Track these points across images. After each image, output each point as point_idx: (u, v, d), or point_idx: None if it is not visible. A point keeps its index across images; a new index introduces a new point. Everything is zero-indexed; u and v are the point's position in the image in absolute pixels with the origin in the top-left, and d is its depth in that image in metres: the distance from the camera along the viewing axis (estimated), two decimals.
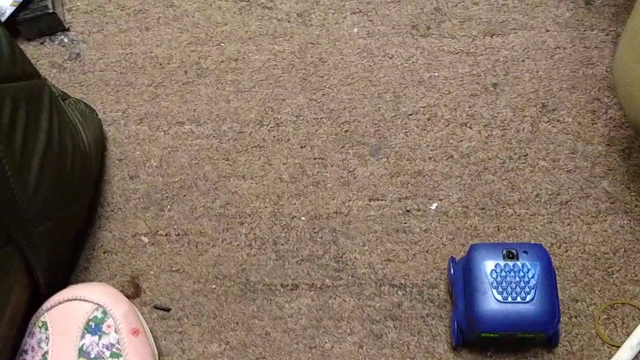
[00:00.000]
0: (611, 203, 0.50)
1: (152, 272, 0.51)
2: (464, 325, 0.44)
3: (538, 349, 0.46)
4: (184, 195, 0.53)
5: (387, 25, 0.58)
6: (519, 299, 0.42)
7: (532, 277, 0.43)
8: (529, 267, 0.43)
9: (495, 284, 0.43)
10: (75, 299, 0.44)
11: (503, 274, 0.43)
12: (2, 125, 0.39)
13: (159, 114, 0.57)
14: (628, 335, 0.46)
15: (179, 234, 0.52)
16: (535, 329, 0.42)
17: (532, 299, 0.42)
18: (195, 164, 0.54)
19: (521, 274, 0.43)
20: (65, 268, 0.51)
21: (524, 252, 0.44)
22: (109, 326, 0.44)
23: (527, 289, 0.42)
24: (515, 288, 0.43)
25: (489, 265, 0.43)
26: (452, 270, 0.46)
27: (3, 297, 0.40)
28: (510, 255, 0.44)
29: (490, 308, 0.42)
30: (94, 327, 0.43)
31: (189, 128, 0.56)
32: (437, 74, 0.56)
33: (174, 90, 0.58)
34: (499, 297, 0.42)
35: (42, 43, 0.61)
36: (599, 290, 0.48)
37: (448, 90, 0.55)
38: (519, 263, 0.43)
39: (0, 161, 0.39)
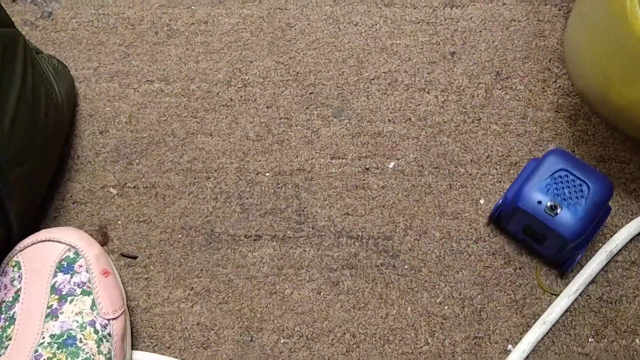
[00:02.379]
0: None
1: (119, 222, 0.53)
2: (507, 201, 0.48)
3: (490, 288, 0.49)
4: (152, 150, 0.55)
5: None
6: (568, 204, 0.46)
7: (584, 196, 0.46)
8: (590, 190, 0.46)
9: (553, 182, 0.47)
10: (48, 240, 0.46)
11: (566, 180, 0.47)
12: None
13: (129, 72, 0.58)
14: (567, 286, 0.49)
15: (146, 187, 0.54)
16: (559, 230, 0.45)
17: (579, 212, 0.46)
18: (164, 120, 0.56)
19: (577, 189, 0.46)
20: (36, 216, 0.53)
21: (595, 179, 0.47)
22: (80, 266, 0.45)
23: (574, 202, 0.46)
24: (565, 195, 0.46)
25: (557, 166, 0.47)
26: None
27: None
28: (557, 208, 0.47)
29: (535, 189, 0.46)
30: (66, 266, 0.45)
31: (158, 86, 0.58)
32: (398, 42, 0.59)
33: (145, 50, 0.59)
34: (545, 189, 0.46)
35: (14, 1, 0.62)
36: None
37: (408, 57, 0.58)
38: (586, 182, 0.46)
39: None
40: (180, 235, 0.52)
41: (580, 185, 0.46)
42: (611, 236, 0.50)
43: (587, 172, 0.47)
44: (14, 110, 0.44)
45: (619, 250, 0.50)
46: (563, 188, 0.46)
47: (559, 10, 0.60)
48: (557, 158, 0.47)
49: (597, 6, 0.47)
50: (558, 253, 0.48)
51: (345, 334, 0.49)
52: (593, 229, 0.47)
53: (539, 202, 0.46)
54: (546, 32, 0.59)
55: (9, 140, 0.44)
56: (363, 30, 0.59)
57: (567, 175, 0.47)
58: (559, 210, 0.46)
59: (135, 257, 0.51)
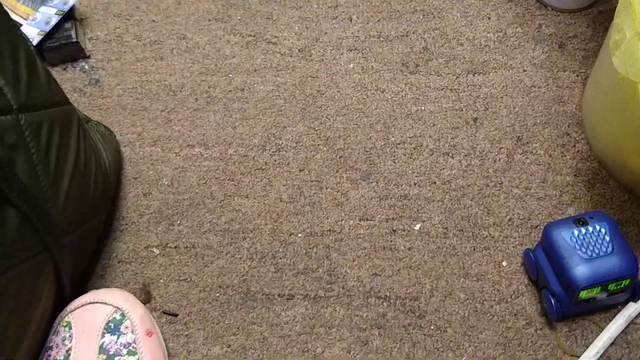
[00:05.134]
0: None
1: (162, 281, 0.56)
2: (562, 294, 0.49)
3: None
4: (192, 212, 0.59)
5: (379, 62, 0.64)
6: (602, 253, 0.49)
7: (605, 234, 0.49)
8: (599, 227, 0.50)
9: (577, 246, 0.49)
10: (97, 302, 0.50)
11: (580, 237, 0.50)
12: (40, 147, 0.45)
13: (171, 137, 0.62)
14: (587, 347, 0.51)
15: (187, 247, 0.57)
16: (625, 274, 0.48)
17: (613, 250, 0.49)
18: (203, 183, 0.60)
19: (595, 233, 0.50)
20: (84, 275, 0.56)
21: (590, 218, 0.50)
22: (126, 327, 0.49)
23: (605, 244, 0.49)
24: (595, 245, 0.49)
25: (566, 235, 0.50)
26: (532, 258, 0.52)
27: (35, 298, 0.45)
28: (581, 222, 0.50)
29: (582, 265, 0.48)
30: (113, 327, 0.49)
31: (198, 151, 0.61)
32: (423, 108, 0.62)
33: (185, 116, 0.63)
34: (584, 256, 0.49)
35: (64, 69, 0.67)
36: None
37: (433, 123, 0.61)
38: (589, 227, 0.50)
39: (37, 178, 0.44)
40: (218, 294, 0.55)
41: (593, 229, 0.50)
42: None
43: (584, 218, 0.51)
44: (68, 185, 0.48)
45: (638, 314, 0.52)
46: (588, 242, 0.49)
47: (577, 76, 0.63)
48: (556, 229, 0.51)
49: (611, 84, 0.50)
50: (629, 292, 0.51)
51: None
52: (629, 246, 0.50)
53: (594, 269, 0.48)
54: (565, 98, 0.62)
55: (64, 213, 0.48)
56: (389, 97, 0.63)
57: (577, 233, 0.50)
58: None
59: (176, 315, 0.55)
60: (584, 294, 0.48)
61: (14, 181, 0.41)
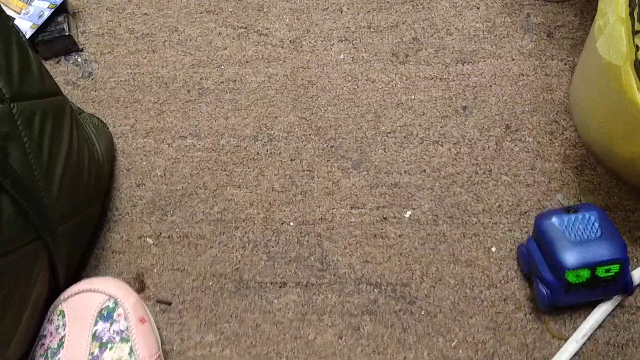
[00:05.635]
0: None
1: (155, 270, 0.57)
2: (551, 281, 0.50)
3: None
4: (185, 202, 0.59)
5: (370, 52, 0.65)
6: (590, 238, 0.50)
7: (595, 221, 0.50)
8: (588, 215, 0.51)
9: (566, 232, 0.50)
10: (90, 291, 0.50)
11: (570, 223, 0.50)
12: (33, 136, 0.46)
13: (163, 128, 0.63)
14: (575, 330, 0.52)
15: (180, 237, 0.58)
16: (613, 257, 0.48)
17: (601, 235, 0.50)
18: (196, 174, 0.60)
19: (585, 220, 0.50)
20: (78, 265, 0.57)
21: (579, 207, 0.51)
22: (119, 315, 0.49)
23: (594, 230, 0.50)
24: (585, 231, 0.50)
25: (555, 221, 0.51)
26: (525, 252, 0.53)
27: (30, 287, 0.46)
28: (571, 210, 0.51)
29: (570, 247, 0.49)
30: (106, 315, 0.49)
31: (190, 142, 0.62)
32: (413, 97, 0.62)
33: (178, 108, 0.64)
34: (573, 239, 0.49)
35: (57, 62, 0.67)
36: None
37: (423, 112, 0.62)
38: (579, 215, 0.51)
39: (31, 168, 0.45)
40: (211, 283, 0.56)
41: (582, 217, 0.51)
42: None
43: (574, 207, 0.52)
44: (61, 175, 0.49)
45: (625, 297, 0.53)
46: (577, 227, 0.50)
47: (565, 64, 0.63)
48: (546, 217, 0.51)
49: (596, 70, 0.51)
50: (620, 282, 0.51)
51: None
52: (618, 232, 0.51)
53: (582, 251, 0.50)
54: (553, 86, 0.62)
55: (57, 203, 0.48)
56: (380, 87, 0.63)
57: (567, 220, 0.51)
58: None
59: (169, 303, 0.55)
60: (572, 277, 0.49)
61: (7, 170, 0.42)
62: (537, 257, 0.51)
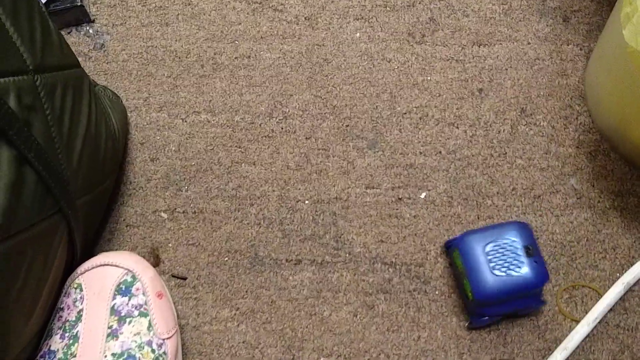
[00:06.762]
0: (578, 198, 0.57)
1: (170, 245, 0.57)
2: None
3: (510, 321, 0.53)
4: (200, 178, 0.59)
5: (386, 31, 0.65)
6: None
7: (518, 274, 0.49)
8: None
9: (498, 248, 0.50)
10: (107, 264, 0.50)
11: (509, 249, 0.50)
12: (55, 109, 0.45)
13: (177, 103, 0.62)
14: (586, 313, 0.53)
15: (195, 212, 0.58)
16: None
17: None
18: (210, 149, 0.60)
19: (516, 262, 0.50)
20: (92, 239, 0.57)
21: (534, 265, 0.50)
22: (137, 289, 0.49)
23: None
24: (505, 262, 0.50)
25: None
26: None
27: (49, 260, 0.45)
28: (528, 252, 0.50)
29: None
30: (124, 289, 0.49)
31: (204, 117, 0.62)
32: (429, 78, 0.62)
33: (191, 82, 0.63)
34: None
35: (69, 33, 0.66)
36: (563, 274, 0.55)
37: (438, 93, 0.62)
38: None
39: (52, 140, 0.45)
40: (226, 258, 0.56)
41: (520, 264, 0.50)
42: (629, 268, 0.54)
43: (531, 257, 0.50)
44: (80, 148, 0.48)
45: (637, 281, 0.53)
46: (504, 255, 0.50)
47: (581, 50, 0.63)
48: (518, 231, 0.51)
49: (617, 54, 0.51)
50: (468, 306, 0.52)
51: (380, 354, 0.52)
52: (507, 304, 0.50)
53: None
54: (568, 71, 0.62)
55: (76, 173, 0.48)
56: (396, 67, 0.63)
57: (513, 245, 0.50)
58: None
59: (185, 278, 0.55)
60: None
61: (31, 142, 0.42)
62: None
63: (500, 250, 0.49)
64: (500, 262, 0.49)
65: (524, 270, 0.49)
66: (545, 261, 0.52)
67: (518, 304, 0.50)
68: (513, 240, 0.50)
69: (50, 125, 0.44)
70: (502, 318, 0.52)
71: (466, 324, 0.53)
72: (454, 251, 0.52)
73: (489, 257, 0.49)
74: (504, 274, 0.49)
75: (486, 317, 0.50)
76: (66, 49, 0.49)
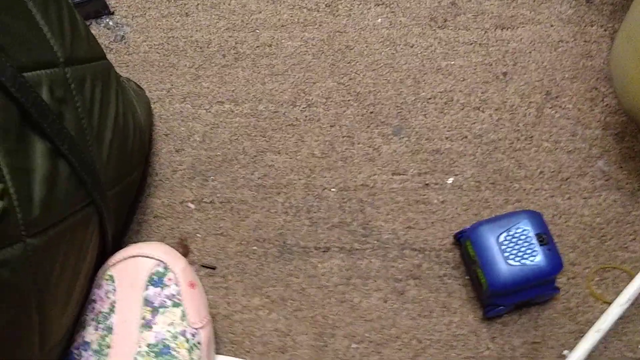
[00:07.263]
0: (606, 180, 0.57)
1: (198, 235, 0.57)
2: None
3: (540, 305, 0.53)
4: (226, 168, 0.59)
5: (408, 17, 0.64)
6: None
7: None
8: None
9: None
10: (139, 255, 0.50)
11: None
12: (85, 101, 0.45)
13: (200, 93, 0.62)
14: (617, 295, 0.53)
15: (222, 202, 0.58)
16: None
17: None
18: (235, 139, 0.60)
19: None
20: (121, 231, 0.57)
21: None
22: (169, 279, 0.50)
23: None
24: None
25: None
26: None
27: (83, 252, 0.46)
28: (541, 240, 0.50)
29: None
30: (156, 280, 0.49)
31: (228, 107, 0.62)
32: (453, 63, 0.62)
33: (214, 72, 0.63)
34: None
35: (89, 25, 0.66)
36: (594, 256, 0.54)
37: (463, 78, 0.61)
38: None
39: (83, 132, 0.45)
40: (255, 247, 0.56)
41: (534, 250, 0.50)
42: None
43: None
44: (110, 139, 0.48)
45: None
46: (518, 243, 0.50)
47: (605, 31, 0.63)
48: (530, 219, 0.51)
49: None
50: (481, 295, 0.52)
51: (412, 340, 0.52)
52: (522, 293, 0.50)
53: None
54: (593, 53, 0.62)
55: (107, 167, 0.48)
56: (419, 52, 0.63)
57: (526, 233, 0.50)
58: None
59: (214, 268, 0.56)
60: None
61: (63, 134, 0.42)
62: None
63: (514, 240, 0.49)
64: (514, 252, 0.49)
65: (538, 258, 0.49)
66: (558, 250, 0.52)
67: (532, 293, 0.50)
68: (525, 229, 0.50)
69: (80, 118, 0.44)
70: (515, 307, 0.52)
71: (481, 315, 0.53)
72: (466, 241, 0.51)
73: (503, 247, 0.49)
74: (518, 263, 0.48)
75: (502, 307, 0.50)
76: (92, 41, 0.49)
